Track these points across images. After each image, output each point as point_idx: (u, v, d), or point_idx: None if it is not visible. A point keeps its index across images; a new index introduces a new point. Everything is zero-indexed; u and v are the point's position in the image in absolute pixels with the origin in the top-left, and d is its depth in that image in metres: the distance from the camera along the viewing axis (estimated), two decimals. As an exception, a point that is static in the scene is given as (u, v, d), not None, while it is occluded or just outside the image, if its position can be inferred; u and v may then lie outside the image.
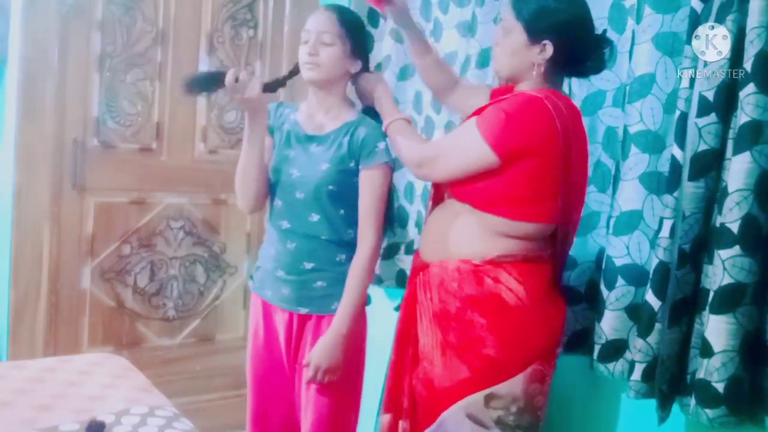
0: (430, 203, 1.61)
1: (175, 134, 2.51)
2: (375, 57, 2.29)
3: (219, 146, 2.60)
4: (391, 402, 1.56)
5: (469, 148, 1.40)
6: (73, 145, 2.30)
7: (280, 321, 1.68)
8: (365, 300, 1.64)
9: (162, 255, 2.53)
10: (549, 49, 1.36)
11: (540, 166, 1.38)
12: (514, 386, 1.40)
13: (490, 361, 1.39)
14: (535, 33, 1.36)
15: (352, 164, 1.59)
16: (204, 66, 2.53)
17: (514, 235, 1.42)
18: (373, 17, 2.33)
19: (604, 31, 1.46)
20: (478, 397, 1.38)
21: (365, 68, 1.67)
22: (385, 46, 2.27)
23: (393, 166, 1.62)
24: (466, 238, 1.45)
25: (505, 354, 1.40)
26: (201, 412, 2.25)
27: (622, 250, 1.46)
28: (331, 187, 1.59)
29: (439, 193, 1.59)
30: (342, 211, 1.61)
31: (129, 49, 2.39)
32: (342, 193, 1.60)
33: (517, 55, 1.40)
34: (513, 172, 1.38)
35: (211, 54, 2.55)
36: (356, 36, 1.62)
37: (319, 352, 1.57)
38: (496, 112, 1.38)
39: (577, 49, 1.39)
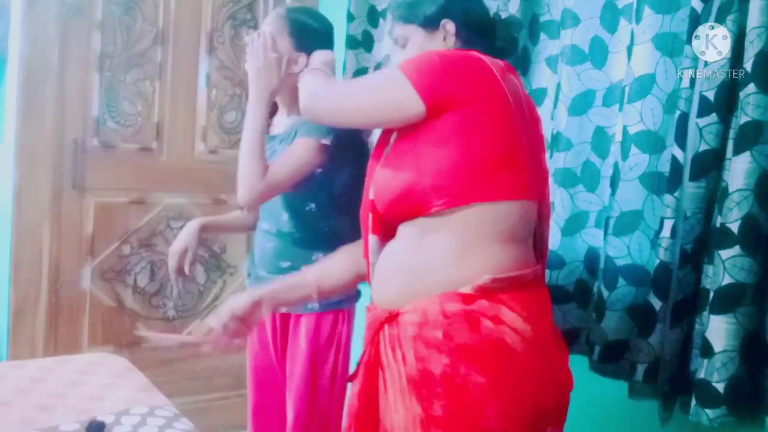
0: (376, 239, 1.24)
1: (175, 134, 2.51)
2: (375, 57, 2.30)
3: (219, 146, 2.60)
4: None
5: (387, 90, 1.17)
6: (73, 145, 2.30)
7: (267, 318, 1.70)
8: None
9: (162, 255, 2.53)
10: (450, 26, 1.29)
11: (482, 116, 1.12)
12: None
13: None
14: (429, 21, 1.30)
15: None
16: (204, 66, 2.54)
17: (498, 229, 1.12)
18: (373, 17, 2.33)
19: (497, 13, 1.44)
20: None
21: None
22: (384, 45, 2.27)
23: (323, 143, 1.49)
24: (440, 260, 1.12)
25: (510, 421, 1.06)
26: (201, 412, 2.25)
27: (622, 251, 1.45)
28: None
29: (386, 225, 1.23)
30: (312, 205, 1.59)
31: (129, 49, 2.39)
32: (304, 187, 1.55)
33: (426, 48, 1.28)
34: (454, 129, 1.12)
35: (211, 54, 2.55)
36: (297, 33, 1.56)
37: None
38: (426, 55, 1.18)
39: (474, 22, 1.32)
